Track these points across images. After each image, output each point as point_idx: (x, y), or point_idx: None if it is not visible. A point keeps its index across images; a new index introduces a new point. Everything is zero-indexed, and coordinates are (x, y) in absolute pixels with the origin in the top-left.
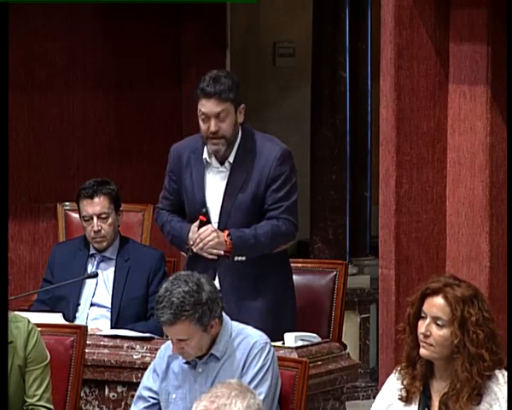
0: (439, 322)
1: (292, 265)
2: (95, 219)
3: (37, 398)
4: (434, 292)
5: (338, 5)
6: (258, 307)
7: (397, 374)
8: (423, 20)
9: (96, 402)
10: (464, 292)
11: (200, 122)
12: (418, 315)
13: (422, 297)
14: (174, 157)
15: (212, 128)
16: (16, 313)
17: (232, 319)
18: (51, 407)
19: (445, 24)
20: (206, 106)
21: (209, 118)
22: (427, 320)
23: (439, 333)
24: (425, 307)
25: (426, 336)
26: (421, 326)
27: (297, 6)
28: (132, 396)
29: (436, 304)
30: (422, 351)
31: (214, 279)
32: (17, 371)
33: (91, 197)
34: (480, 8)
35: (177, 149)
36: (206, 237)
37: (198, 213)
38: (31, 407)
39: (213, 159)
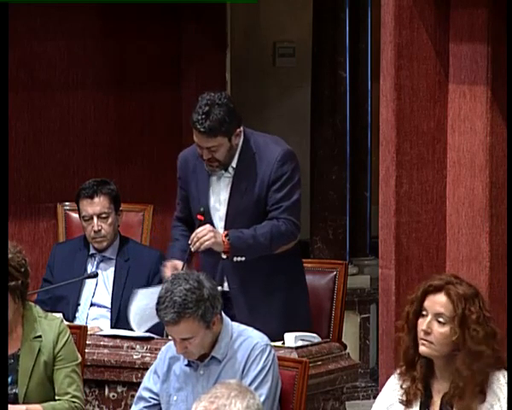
0: (440, 319)
1: None
2: (95, 219)
3: (69, 396)
4: (437, 289)
5: (338, 5)
6: (269, 309)
7: (397, 376)
8: (423, 20)
9: (96, 402)
10: (466, 290)
11: (195, 146)
12: (418, 313)
13: (424, 294)
14: (181, 164)
15: (205, 157)
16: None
17: (243, 323)
18: (83, 405)
19: (445, 24)
20: (198, 138)
21: (202, 148)
22: (429, 317)
23: (440, 331)
24: (426, 304)
25: (427, 334)
26: (422, 323)
27: (297, 6)
28: (132, 396)
29: (438, 301)
30: (422, 348)
31: (223, 283)
32: (42, 366)
33: (91, 197)
34: (480, 8)
35: (184, 155)
36: (203, 236)
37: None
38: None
39: None
